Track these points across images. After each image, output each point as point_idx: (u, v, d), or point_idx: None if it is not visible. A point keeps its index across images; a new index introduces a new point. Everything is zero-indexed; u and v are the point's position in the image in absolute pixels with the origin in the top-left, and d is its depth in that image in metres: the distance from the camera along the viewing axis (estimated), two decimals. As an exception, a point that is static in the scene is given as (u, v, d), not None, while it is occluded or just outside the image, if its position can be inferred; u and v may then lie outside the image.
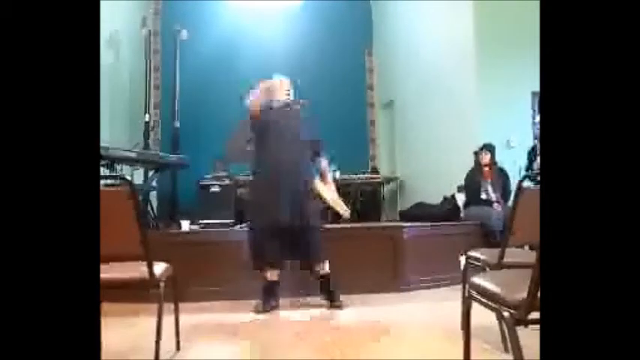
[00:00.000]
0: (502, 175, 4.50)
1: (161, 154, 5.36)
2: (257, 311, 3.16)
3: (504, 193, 4.40)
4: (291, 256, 3.23)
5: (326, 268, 3.26)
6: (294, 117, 3.36)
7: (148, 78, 6.32)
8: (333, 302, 3.25)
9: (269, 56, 7.65)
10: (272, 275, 3.24)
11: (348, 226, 4.66)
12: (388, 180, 7.46)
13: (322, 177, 3.43)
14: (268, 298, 3.22)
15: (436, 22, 6.23)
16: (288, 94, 3.40)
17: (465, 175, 4.68)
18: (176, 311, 2.30)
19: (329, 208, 3.38)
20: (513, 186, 3.09)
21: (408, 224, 4.26)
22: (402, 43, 7.24)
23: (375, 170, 7.61)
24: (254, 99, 3.28)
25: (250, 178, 3.64)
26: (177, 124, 6.35)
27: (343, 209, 3.46)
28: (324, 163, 3.44)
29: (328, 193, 3.31)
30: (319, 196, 3.28)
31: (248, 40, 7.78)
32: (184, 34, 6.58)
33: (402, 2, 7.24)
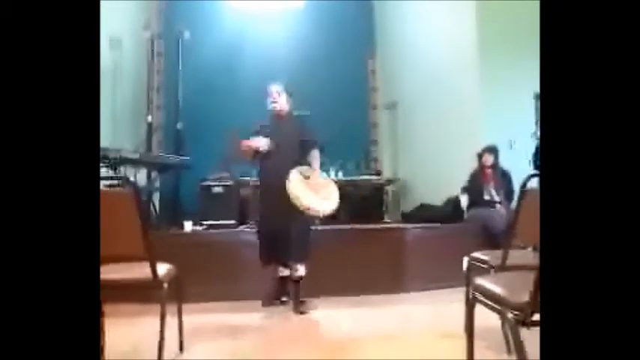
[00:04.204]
0: (505, 177, 4.50)
1: (164, 155, 5.37)
2: (263, 304, 3.35)
3: (508, 195, 4.39)
4: (279, 256, 3.33)
5: (300, 271, 3.30)
6: (288, 126, 3.44)
7: (150, 80, 6.34)
8: (298, 308, 3.24)
9: (271, 58, 7.67)
10: (280, 272, 3.42)
11: (349, 227, 4.68)
12: (390, 181, 7.46)
13: (312, 165, 3.34)
14: (275, 293, 3.44)
15: (439, 24, 6.22)
16: (275, 102, 3.43)
17: (468, 177, 4.68)
18: (179, 312, 2.30)
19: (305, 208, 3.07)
20: (516, 187, 3.08)
21: (411, 225, 4.25)
22: (405, 45, 7.23)
23: (377, 172, 7.60)
24: (240, 149, 3.39)
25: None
26: (180, 126, 6.37)
27: (315, 210, 3.09)
28: (314, 153, 3.38)
29: (300, 191, 3.07)
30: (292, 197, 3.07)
31: (250, 42, 7.78)
32: (187, 34, 6.59)
33: (405, 3, 7.24)
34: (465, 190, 4.76)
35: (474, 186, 4.55)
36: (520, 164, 4.58)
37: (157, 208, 5.48)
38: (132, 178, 1.89)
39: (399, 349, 2.41)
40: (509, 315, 1.37)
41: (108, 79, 5.72)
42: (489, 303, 1.51)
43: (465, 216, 4.68)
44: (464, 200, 4.79)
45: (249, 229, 4.18)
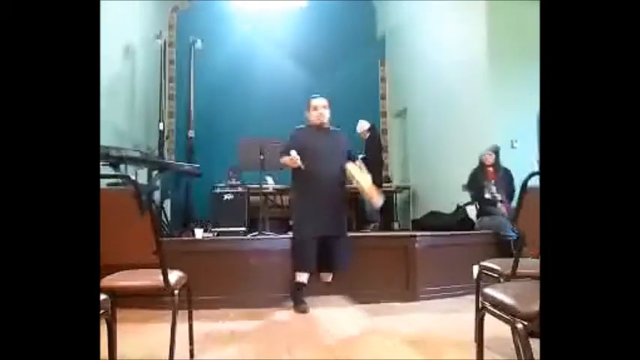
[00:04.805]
0: (507, 176, 4.44)
1: (173, 162, 5.43)
2: (300, 311, 3.30)
3: (509, 194, 4.34)
4: (322, 262, 3.42)
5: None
6: (330, 137, 3.55)
7: (162, 87, 6.45)
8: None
9: (281, 65, 7.75)
10: (302, 277, 3.41)
11: (360, 234, 4.67)
12: (400, 189, 7.42)
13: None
14: (299, 298, 3.41)
15: (446, 29, 6.19)
16: (320, 116, 3.53)
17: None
18: (190, 319, 2.29)
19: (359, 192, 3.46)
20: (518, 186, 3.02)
21: (420, 233, 4.22)
22: (414, 53, 7.23)
23: (387, 179, 7.57)
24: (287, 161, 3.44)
25: (291, 191, 3.80)
26: (192, 134, 6.43)
27: (377, 197, 3.40)
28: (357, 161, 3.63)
29: (363, 177, 3.37)
30: (352, 179, 3.37)
31: (259, 47, 7.89)
32: (199, 44, 6.69)
33: (409, 4, 7.25)
34: (465, 187, 4.72)
35: (474, 184, 4.51)
36: (523, 163, 4.49)
37: (168, 215, 5.50)
38: (140, 181, 1.89)
39: (400, 348, 2.38)
40: (519, 325, 1.34)
41: (121, 86, 5.83)
42: (499, 313, 1.48)
43: (476, 225, 4.61)
44: (472, 210, 4.74)
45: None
